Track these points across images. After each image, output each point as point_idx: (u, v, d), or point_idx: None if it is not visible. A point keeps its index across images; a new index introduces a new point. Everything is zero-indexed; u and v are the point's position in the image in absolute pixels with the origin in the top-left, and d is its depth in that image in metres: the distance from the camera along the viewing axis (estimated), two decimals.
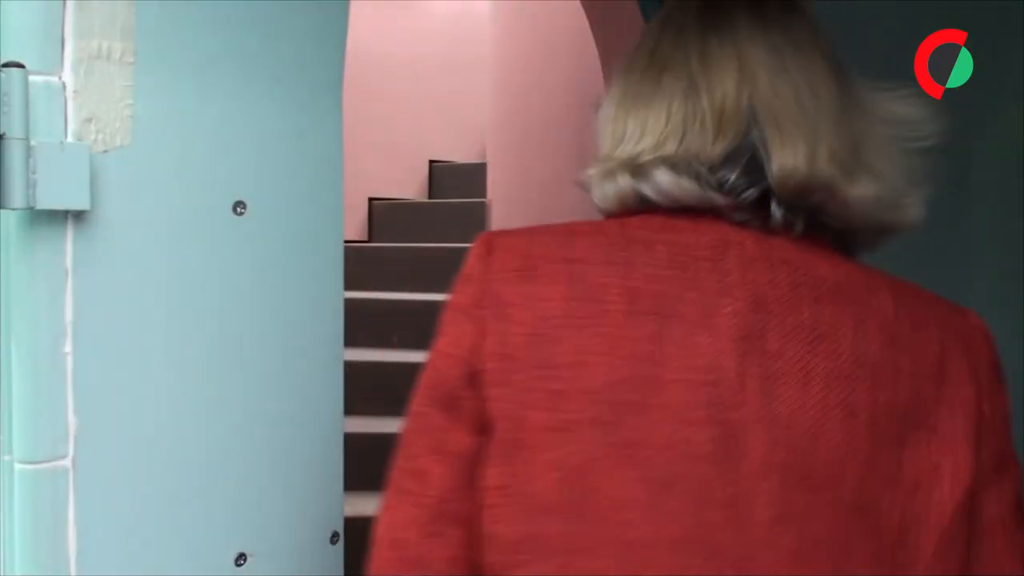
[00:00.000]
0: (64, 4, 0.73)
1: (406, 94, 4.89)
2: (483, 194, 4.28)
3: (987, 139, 1.38)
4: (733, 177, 0.71)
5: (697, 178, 0.72)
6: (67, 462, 0.74)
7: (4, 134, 0.68)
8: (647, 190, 0.73)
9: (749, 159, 0.72)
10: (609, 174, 0.76)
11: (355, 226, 4.67)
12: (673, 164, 0.72)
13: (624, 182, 0.75)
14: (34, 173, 0.70)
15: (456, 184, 4.89)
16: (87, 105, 0.74)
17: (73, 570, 0.74)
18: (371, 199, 4.79)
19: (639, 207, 0.75)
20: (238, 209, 0.83)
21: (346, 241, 0.92)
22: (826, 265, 0.72)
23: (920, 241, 1.50)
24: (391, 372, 3.32)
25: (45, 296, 0.73)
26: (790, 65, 0.74)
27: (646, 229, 0.73)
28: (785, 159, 0.71)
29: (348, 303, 0.92)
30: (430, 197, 5.08)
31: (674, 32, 0.79)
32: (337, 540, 0.91)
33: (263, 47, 0.84)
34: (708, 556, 0.65)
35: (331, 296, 0.90)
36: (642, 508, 0.66)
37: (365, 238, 4.74)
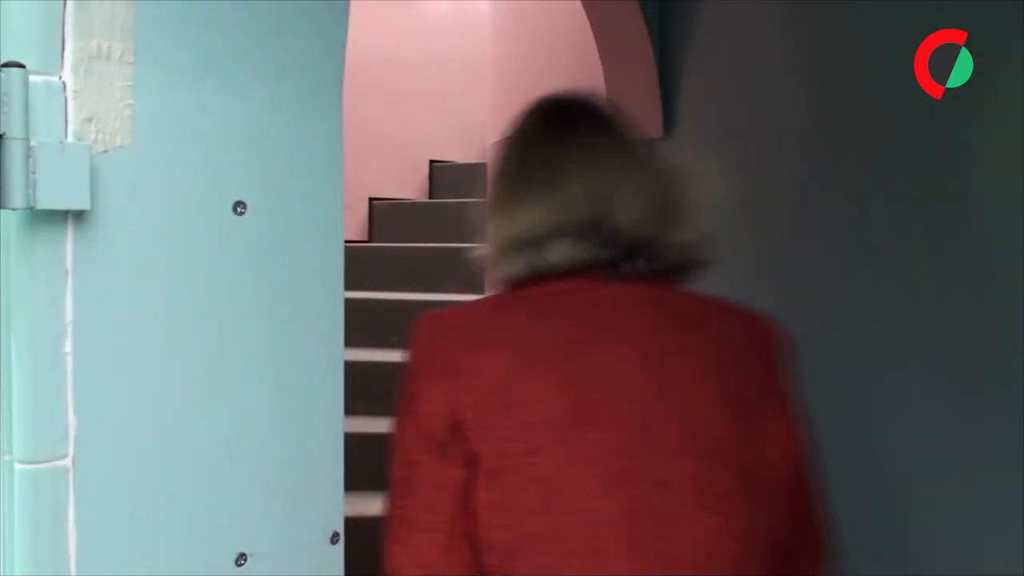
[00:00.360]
0: (64, 4, 0.73)
1: (406, 94, 4.89)
2: (483, 194, 4.26)
3: (987, 139, 1.38)
4: (599, 241, 0.96)
5: (584, 241, 0.96)
6: (67, 462, 0.74)
7: (4, 134, 0.68)
8: (552, 256, 0.96)
9: (604, 227, 0.96)
10: (506, 252, 1.00)
11: (355, 226, 4.68)
12: (563, 233, 0.96)
13: (524, 257, 0.98)
14: (34, 173, 0.70)
15: (456, 184, 4.89)
16: (87, 105, 0.74)
17: (73, 570, 0.74)
18: (371, 199, 4.79)
19: (533, 277, 0.98)
20: (238, 209, 0.83)
21: (346, 241, 0.92)
22: (682, 299, 0.99)
23: (921, 242, 1.50)
24: (391, 372, 3.30)
25: (45, 296, 0.73)
26: (618, 156, 1.02)
27: (550, 295, 0.96)
28: (628, 218, 0.97)
29: (348, 303, 0.92)
30: (430, 197, 5.07)
31: (529, 144, 1.08)
32: (337, 540, 0.91)
33: (263, 47, 0.84)
34: (652, 524, 0.87)
35: (331, 296, 0.90)
36: (600, 497, 0.87)
37: (365, 238, 4.74)
